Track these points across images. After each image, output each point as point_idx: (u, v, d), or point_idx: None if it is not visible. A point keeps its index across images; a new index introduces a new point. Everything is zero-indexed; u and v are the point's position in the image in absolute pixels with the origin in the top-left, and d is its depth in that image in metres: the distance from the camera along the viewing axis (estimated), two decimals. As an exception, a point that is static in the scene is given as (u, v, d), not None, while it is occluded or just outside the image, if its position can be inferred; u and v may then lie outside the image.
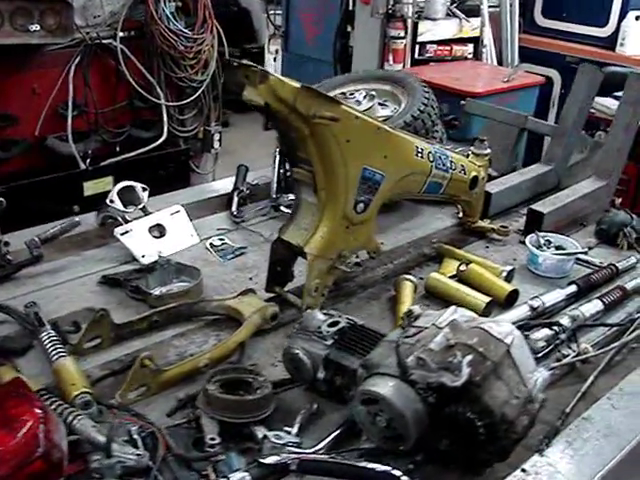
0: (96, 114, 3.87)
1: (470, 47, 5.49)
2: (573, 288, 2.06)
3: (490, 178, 2.67)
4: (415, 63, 5.22)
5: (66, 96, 3.77)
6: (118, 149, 3.99)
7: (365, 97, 2.57)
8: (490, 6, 5.49)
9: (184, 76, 4.00)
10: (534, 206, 2.45)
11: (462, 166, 2.23)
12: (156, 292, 1.99)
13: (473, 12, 5.42)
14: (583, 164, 2.91)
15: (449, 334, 1.35)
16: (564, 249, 2.25)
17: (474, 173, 2.29)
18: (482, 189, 2.38)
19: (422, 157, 2.03)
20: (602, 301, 1.98)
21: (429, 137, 2.47)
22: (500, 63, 5.67)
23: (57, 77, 3.77)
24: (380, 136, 1.86)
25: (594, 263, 2.28)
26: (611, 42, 5.34)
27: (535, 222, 2.41)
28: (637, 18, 5.19)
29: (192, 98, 4.05)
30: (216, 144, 4.39)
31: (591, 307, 1.94)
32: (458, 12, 5.29)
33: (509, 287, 2.01)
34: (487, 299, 1.94)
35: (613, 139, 2.68)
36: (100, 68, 3.87)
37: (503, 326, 1.37)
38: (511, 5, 5.53)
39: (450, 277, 2.12)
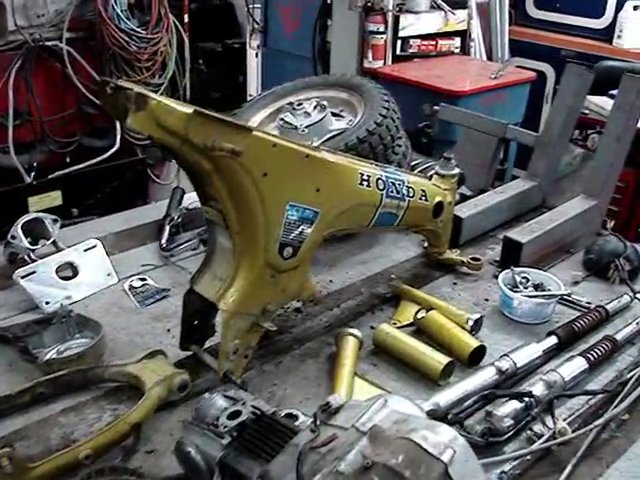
0: (41, 123, 3.53)
1: (457, 41, 5.11)
2: (552, 341, 1.72)
3: (464, 198, 2.34)
4: (397, 59, 4.85)
5: (6, 104, 3.43)
6: (68, 160, 3.65)
7: (315, 107, 2.22)
8: (478, -3, 5.12)
9: (139, 79, 3.65)
10: (511, 234, 2.10)
11: (422, 191, 1.88)
12: (47, 355, 1.66)
13: (460, 4, 5.03)
14: (572, 178, 2.57)
15: (367, 448, 1.01)
16: (545, 288, 1.90)
17: (438, 198, 1.94)
18: (449, 215, 2.03)
19: (369, 186, 1.68)
20: (586, 358, 1.64)
21: (388, 154, 2.13)
22: (490, 58, 5.30)
23: (-5, 83, 3.44)
24: (310, 165, 1.51)
25: (580, 303, 1.94)
26: (608, 34, 4.96)
27: (512, 253, 2.07)
28: (635, 8, 4.81)
29: (148, 103, 3.68)
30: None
31: (572, 368, 1.60)
32: (443, 4, 4.91)
33: (474, 343, 1.67)
34: (445, 360, 1.60)
35: (604, 151, 2.33)
36: (45, 72, 3.53)
37: (441, 434, 1.03)
38: (501, -5, 5.16)
39: (407, 325, 1.79)
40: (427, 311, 1.79)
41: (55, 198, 3.50)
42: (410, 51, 4.94)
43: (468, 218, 2.20)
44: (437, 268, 2.10)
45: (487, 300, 1.95)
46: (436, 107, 3.11)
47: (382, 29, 4.68)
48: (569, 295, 1.89)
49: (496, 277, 1.98)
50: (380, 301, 1.92)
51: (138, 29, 3.59)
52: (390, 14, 4.68)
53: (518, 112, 4.50)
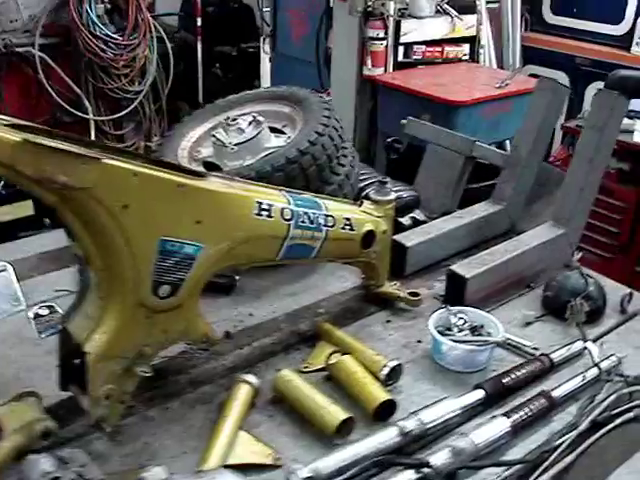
0: (12, 131, 3.43)
1: (466, 48, 4.87)
2: (477, 395, 1.51)
3: (416, 223, 2.14)
4: (400, 66, 4.65)
5: (-24, 111, 3.36)
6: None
7: (250, 123, 2.05)
8: (489, 1, 4.87)
9: (116, 87, 3.54)
10: (456, 267, 1.89)
11: (347, 220, 1.70)
12: None
13: (469, 9, 4.80)
14: (546, 202, 2.33)
15: None
16: (484, 331, 1.69)
17: (369, 227, 1.75)
18: (386, 245, 1.84)
19: (270, 216, 1.50)
20: (511, 418, 1.43)
21: (325, 175, 1.95)
22: (502, 66, 5.05)
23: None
24: (186, 195, 1.34)
25: (525, 349, 1.72)
26: (626, 41, 4.66)
27: (457, 289, 1.86)
28: (656, 13, 4.52)
29: (126, 111, 3.59)
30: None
31: (490, 431, 1.39)
32: (450, 9, 4.68)
33: (381, 396, 1.47)
34: (343, 415, 1.41)
35: (574, 175, 2.10)
36: (17, 79, 3.44)
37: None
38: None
39: (319, 370, 1.61)
40: (343, 354, 1.60)
41: (27, 208, 3.40)
42: (414, 58, 4.73)
43: (415, 247, 2.00)
44: (373, 302, 1.90)
45: (420, 342, 1.74)
46: (420, 119, 2.90)
47: (382, 35, 4.48)
48: (506, 342, 1.67)
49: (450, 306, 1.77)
50: (298, 340, 1.74)
51: (114, 35, 3.48)
52: (391, 19, 4.48)
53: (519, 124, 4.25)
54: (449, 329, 1.69)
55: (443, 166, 2.43)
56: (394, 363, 1.57)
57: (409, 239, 2.00)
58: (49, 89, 3.41)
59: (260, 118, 2.05)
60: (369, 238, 1.76)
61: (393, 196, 1.82)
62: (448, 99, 3.99)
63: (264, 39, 7.55)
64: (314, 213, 1.61)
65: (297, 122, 2.06)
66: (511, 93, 4.20)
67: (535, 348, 1.72)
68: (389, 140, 2.67)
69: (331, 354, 1.61)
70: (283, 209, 1.54)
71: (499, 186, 2.30)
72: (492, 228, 2.24)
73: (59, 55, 3.45)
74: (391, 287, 1.90)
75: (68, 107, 3.45)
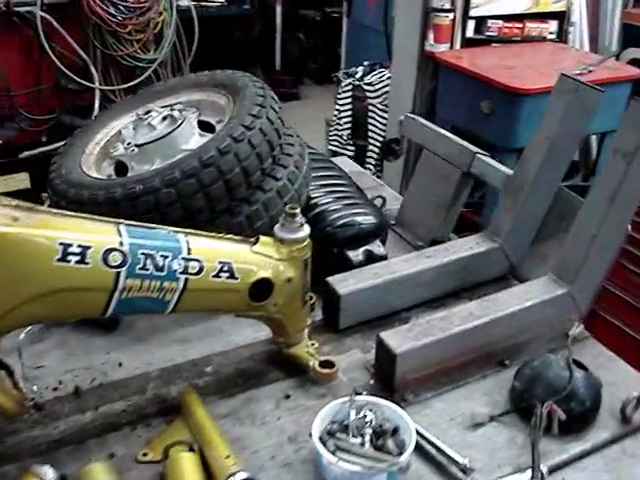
0: (10, 97, 3.20)
1: (552, 25, 4.15)
2: None
3: (370, 259, 1.66)
4: (470, 43, 4.02)
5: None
6: (44, 139, 3.31)
7: (165, 119, 1.64)
8: (586, -31, 4.11)
9: (127, 54, 3.20)
10: (386, 335, 1.40)
11: (223, 265, 1.25)
12: None
13: (560, -22, 4.07)
14: (560, 239, 1.76)
15: None
16: (393, 441, 1.21)
17: (263, 274, 1.30)
18: (295, 295, 1.38)
19: (85, 262, 1.09)
20: None
21: (254, 180, 1.51)
22: (596, 48, 4.28)
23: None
24: None
25: (453, 469, 1.23)
26: None
27: (386, 364, 1.38)
28: None
29: (137, 81, 3.25)
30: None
31: None
32: (535, -23, 3.98)
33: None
34: None
35: (588, 214, 1.53)
36: (18, 41, 3.18)
37: None
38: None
39: (158, 462, 1.20)
40: (189, 448, 1.18)
41: (22, 180, 3.17)
42: (488, 34, 4.09)
43: (353, 294, 1.52)
44: (279, 365, 1.45)
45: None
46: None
47: (448, 6, 3.86)
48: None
49: (359, 393, 1.30)
50: (157, 411, 1.33)
51: (122, -5, 3.13)
52: (460, -12, 3.85)
53: (607, 120, 3.53)
54: (344, 430, 1.22)
55: (437, 181, 1.90)
56: (243, 476, 1.13)
57: (345, 284, 1.52)
58: (51, 53, 3.12)
59: (176, 113, 1.64)
60: (263, 288, 1.31)
61: (304, 233, 1.35)
62: (510, 85, 3.36)
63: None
64: (164, 256, 1.19)
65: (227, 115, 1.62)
66: (598, 81, 3.48)
67: (469, 468, 1.22)
68: (386, 140, 2.15)
69: (169, 447, 1.19)
70: (108, 251, 1.13)
71: (496, 216, 1.75)
72: (480, 271, 1.71)
73: (65, 17, 3.15)
74: (306, 348, 1.45)
75: (71, 74, 3.14)
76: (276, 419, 1.33)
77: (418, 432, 1.24)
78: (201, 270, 1.23)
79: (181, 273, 1.21)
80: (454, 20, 3.92)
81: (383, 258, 1.68)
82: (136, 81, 3.28)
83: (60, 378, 1.41)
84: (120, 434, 1.28)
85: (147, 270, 1.17)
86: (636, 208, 1.52)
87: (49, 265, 1.07)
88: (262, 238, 1.34)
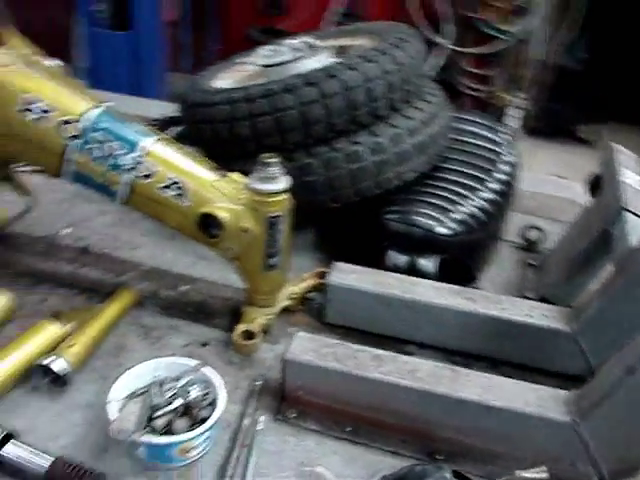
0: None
1: None
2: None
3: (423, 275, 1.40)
4: None
5: None
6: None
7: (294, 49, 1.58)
8: None
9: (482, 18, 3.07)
10: (302, 335, 1.16)
11: (173, 183, 1.22)
12: None
13: None
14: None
15: None
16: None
17: (207, 209, 1.22)
18: (255, 251, 1.25)
19: (38, 120, 1.21)
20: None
21: (381, 109, 1.42)
22: None
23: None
24: None
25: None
26: None
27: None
28: None
29: (490, 50, 3.09)
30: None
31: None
32: None
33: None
34: None
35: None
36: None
37: None
38: None
39: None
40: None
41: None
42: None
43: (342, 290, 1.29)
44: (235, 316, 1.34)
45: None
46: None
47: None
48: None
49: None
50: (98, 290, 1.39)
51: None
52: None
53: None
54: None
55: (575, 233, 1.41)
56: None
57: (344, 276, 1.30)
58: None
59: (301, 46, 1.56)
60: (211, 224, 1.23)
61: (273, 187, 1.20)
62: None
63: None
64: (117, 149, 1.22)
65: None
66: None
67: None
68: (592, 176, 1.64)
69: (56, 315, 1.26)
70: (66, 122, 1.22)
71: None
72: (534, 352, 1.26)
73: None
74: (258, 314, 1.31)
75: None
76: (169, 355, 1.24)
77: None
78: (149, 176, 1.23)
79: (128, 170, 1.23)
80: None
81: (429, 277, 1.36)
82: (489, 50, 3.06)
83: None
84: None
85: (95, 153, 1.22)
86: None
87: (11, 111, 1.22)
88: (232, 176, 1.25)
